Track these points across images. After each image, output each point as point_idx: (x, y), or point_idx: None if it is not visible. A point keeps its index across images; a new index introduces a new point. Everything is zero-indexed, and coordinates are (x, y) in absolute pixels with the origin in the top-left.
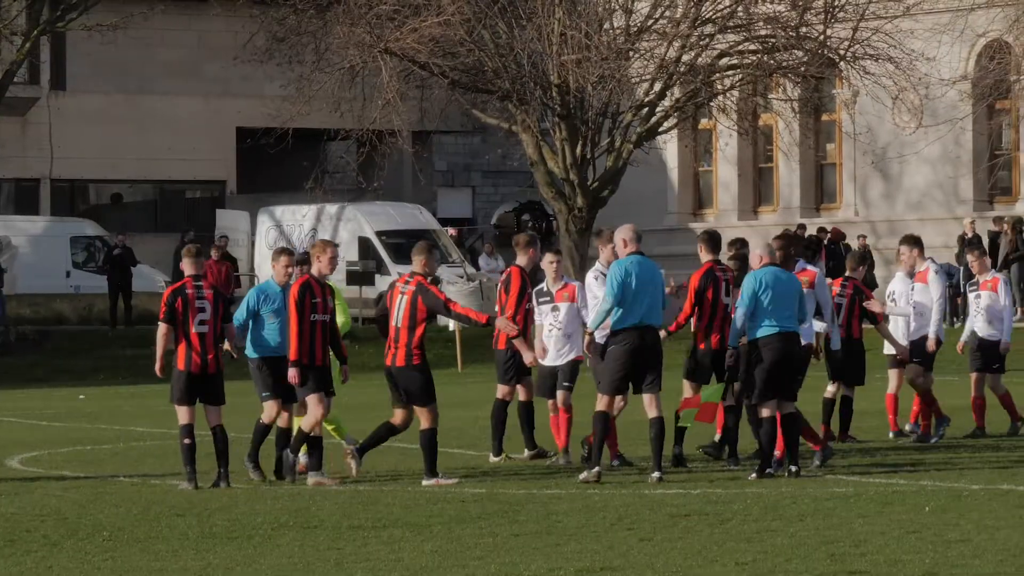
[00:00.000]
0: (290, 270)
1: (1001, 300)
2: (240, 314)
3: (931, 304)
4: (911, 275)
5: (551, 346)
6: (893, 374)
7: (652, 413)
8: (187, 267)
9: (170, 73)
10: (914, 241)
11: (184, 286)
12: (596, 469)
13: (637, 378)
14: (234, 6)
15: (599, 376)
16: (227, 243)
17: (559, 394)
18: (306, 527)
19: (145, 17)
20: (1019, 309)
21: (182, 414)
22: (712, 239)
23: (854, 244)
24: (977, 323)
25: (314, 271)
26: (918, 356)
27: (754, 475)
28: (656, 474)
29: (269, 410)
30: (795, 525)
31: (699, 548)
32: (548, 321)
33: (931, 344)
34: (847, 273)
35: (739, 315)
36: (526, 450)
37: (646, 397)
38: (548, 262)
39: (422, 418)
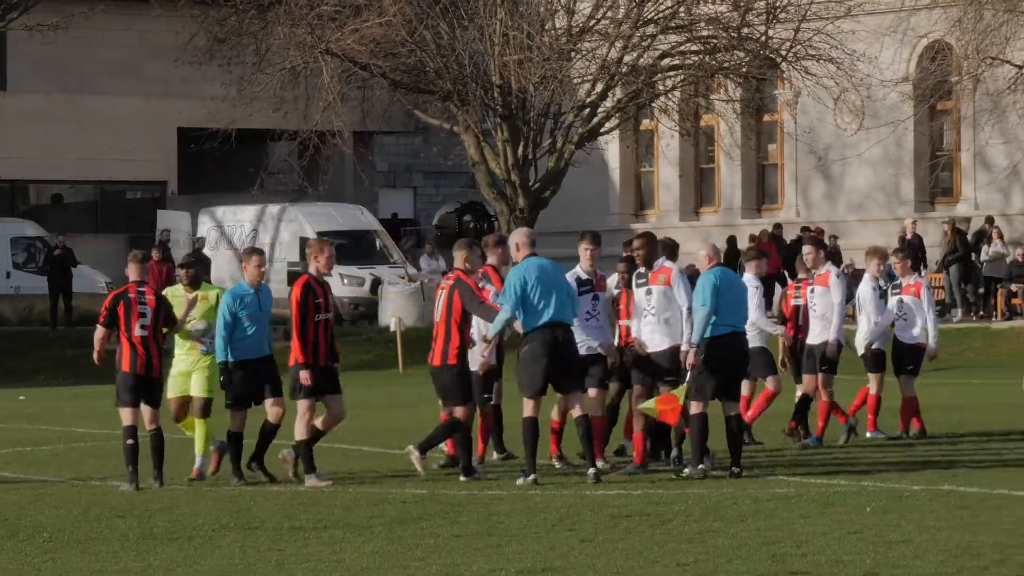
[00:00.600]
0: (263, 270)
1: (923, 305)
2: (221, 321)
3: (832, 308)
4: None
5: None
6: (872, 377)
7: (576, 412)
8: (131, 272)
9: (111, 73)
10: (818, 243)
11: (127, 291)
12: (532, 476)
13: (556, 378)
14: (175, 7)
15: (520, 380)
16: (168, 236)
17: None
18: (247, 528)
19: (86, 17)
20: (959, 310)
21: (125, 415)
22: (668, 246)
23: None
24: (897, 326)
25: (312, 270)
26: (824, 363)
27: (687, 471)
28: (592, 470)
29: (238, 419)
30: (736, 526)
31: (640, 549)
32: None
33: (831, 349)
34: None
35: (703, 313)
36: (495, 453)
37: (569, 397)
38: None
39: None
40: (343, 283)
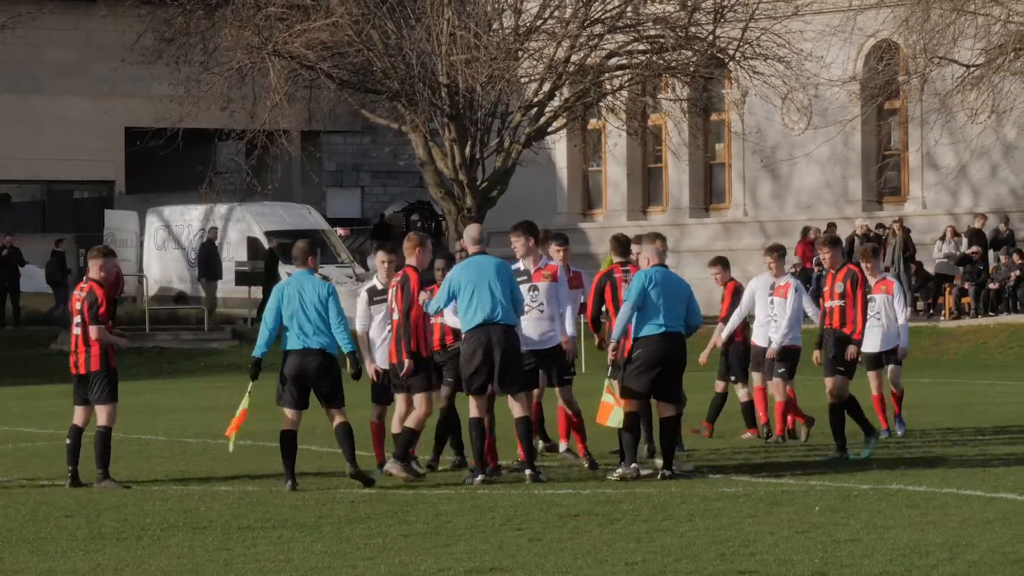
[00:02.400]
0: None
1: (895, 303)
2: (272, 314)
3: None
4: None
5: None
6: (872, 375)
7: (516, 413)
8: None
9: (58, 73)
10: (781, 251)
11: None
12: (480, 476)
13: (498, 378)
14: (122, 7)
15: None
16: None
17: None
18: (195, 528)
19: (33, 17)
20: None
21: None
22: (620, 242)
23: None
24: (769, 328)
25: (413, 263)
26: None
27: (618, 471)
28: (528, 471)
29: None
30: (685, 525)
31: (589, 548)
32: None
33: (771, 352)
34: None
35: (625, 309)
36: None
37: (509, 398)
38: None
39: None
40: None
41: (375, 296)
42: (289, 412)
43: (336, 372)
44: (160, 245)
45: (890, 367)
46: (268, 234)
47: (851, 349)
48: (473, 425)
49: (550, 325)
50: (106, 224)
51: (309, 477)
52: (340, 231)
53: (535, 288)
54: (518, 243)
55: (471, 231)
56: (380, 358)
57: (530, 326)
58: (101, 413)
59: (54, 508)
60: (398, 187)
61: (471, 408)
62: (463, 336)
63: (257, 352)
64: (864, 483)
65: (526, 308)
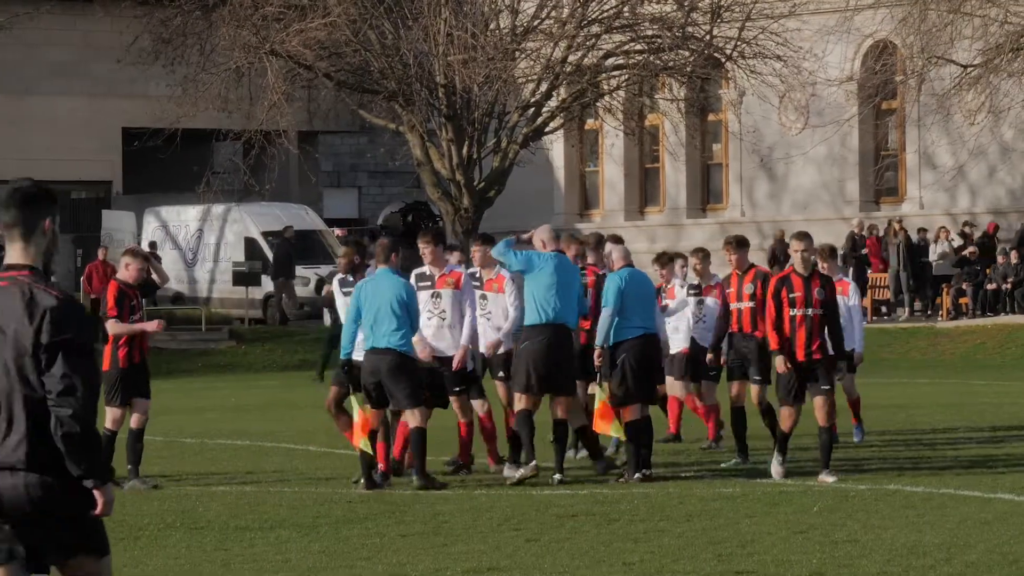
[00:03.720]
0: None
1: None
2: (353, 312)
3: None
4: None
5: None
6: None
7: (557, 414)
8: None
9: (55, 74)
10: (706, 253)
11: None
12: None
13: (549, 381)
14: (119, 7)
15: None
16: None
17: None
18: (193, 528)
19: (31, 17)
20: (905, 309)
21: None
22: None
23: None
24: (695, 330)
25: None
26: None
27: (637, 476)
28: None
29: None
30: (682, 525)
31: (586, 548)
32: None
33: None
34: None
35: (606, 315)
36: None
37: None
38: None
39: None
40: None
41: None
42: (368, 412)
43: (412, 372)
44: (158, 245)
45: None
46: (265, 235)
47: (779, 362)
48: (519, 417)
49: (451, 333)
50: (103, 224)
51: (306, 477)
52: (337, 231)
53: (438, 295)
54: (426, 250)
55: (544, 232)
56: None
57: (433, 334)
58: (106, 415)
59: None
60: (395, 187)
61: (519, 402)
62: (523, 332)
63: (343, 353)
64: (862, 484)
65: (428, 315)
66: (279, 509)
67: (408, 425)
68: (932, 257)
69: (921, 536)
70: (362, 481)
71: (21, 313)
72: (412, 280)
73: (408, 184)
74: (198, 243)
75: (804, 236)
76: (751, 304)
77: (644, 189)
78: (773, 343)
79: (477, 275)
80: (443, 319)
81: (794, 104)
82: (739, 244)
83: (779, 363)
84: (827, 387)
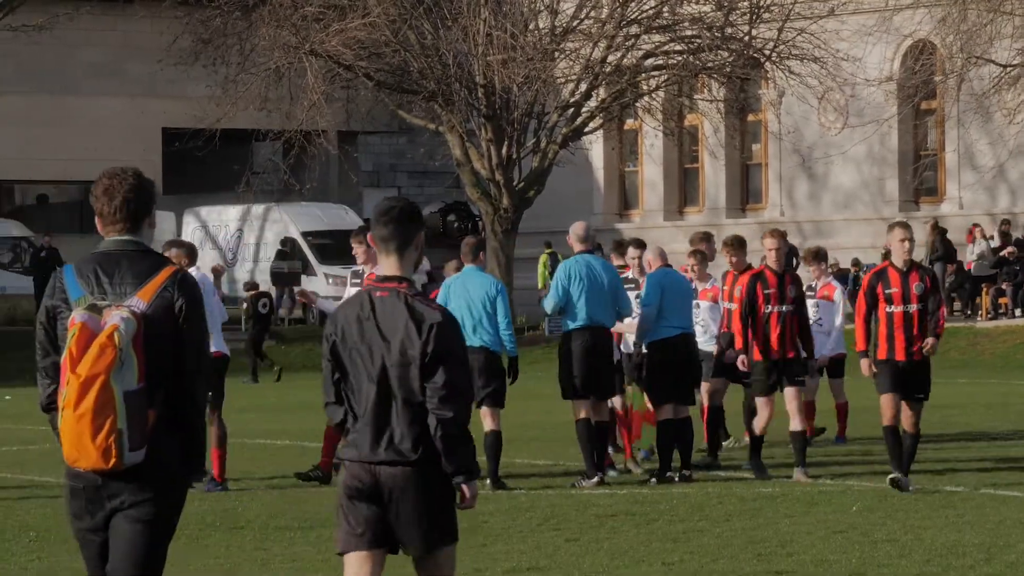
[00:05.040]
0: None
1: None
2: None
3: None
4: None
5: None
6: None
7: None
8: None
9: (95, 74)
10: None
11: None
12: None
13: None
14: (159, 7)
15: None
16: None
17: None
18: (233, 528)
19: (70, 18)
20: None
21: None
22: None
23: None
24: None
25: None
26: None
27: (669, 475)
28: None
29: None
30: (721, 525)
31: (626, 548)
32: None
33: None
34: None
35: (645, 316)
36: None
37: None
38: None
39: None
40: (328, 282)
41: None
42: None
43: (498, 371)
44: (197, 245)
45: (831, 381)
46: (305, 234)
47: (864, 365)
48: (580, 427)
49: None
50: None
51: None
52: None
53: None
54: (359, 249)
55: (577, 229)
56: None
57: None
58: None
59: None
60: (434, 188)
61: (577, 410)
62: (562, 337)
63: None
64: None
65: None
66: (319, 509)
67: (483, 427)
68: (970, 257)
69: (961, 536)
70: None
71: (407, 325)
72: (348, 278)
73: (448, 184)
74: (238, 243)
75: (904, 225)
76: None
77: (684, 189)
78: (860, 342)
79: (357, 270)
80: None
81: (833, 104)
82: (738, 245)
83: (864, 367)
84: (920, 395)
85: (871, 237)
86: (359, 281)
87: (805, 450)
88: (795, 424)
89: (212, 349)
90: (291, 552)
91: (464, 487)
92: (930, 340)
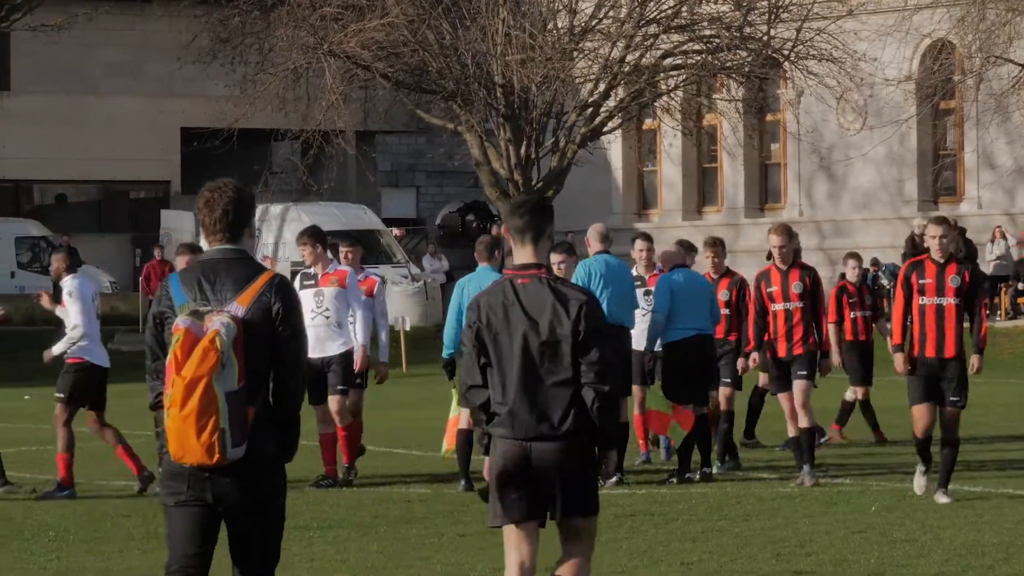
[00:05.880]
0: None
1: None
2: (455, 312)
3: None
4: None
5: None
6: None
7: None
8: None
9: (114, 73)
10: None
11: None
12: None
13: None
14: (178, 7)
15: None
16: (168, 237)
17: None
18: None
19: (89, 17)
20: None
21: None
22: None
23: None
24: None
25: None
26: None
27: (689, 476)
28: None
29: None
30: (740, 525)
31: (644, 548)
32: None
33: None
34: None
35: (654, 322)
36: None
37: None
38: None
39: None
40: None
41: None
42: (466, 412)
43: None
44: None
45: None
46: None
47: (898, 361)
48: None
49: (337, 331)
50: (162, 224)
51: (365, 477)
52: (396, 231)
53: (320, 294)
54: (305, 251)
55: (599, 229)
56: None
57: (321, 333)
58: None
59: (111, 508)
60: (453, 187)
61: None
62: None
63: (446, 353)
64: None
65: (312, 315)
66: (338, 509)
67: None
68: (988, 257)
69: (980, 536)
70: (462, 482)
71: (553, 306)
72: (297, 281)
73: (466, 184)
74: (256, 242)
75: (943, 221)
76: (726, 311)
77: (702, 189)
78: (896, 335)
79: (309, 272)
80: (327, 317)
81: (852, 105)
82: (718, 246)
83: (898, 362)
84: (955, 399)
85: (890, 237)
86: (312, 283)
87: (813, 449)
88: (803, 421)
89: (88, 358)
90: (309, 552)
91: (607, 458)
92: (975, 360)
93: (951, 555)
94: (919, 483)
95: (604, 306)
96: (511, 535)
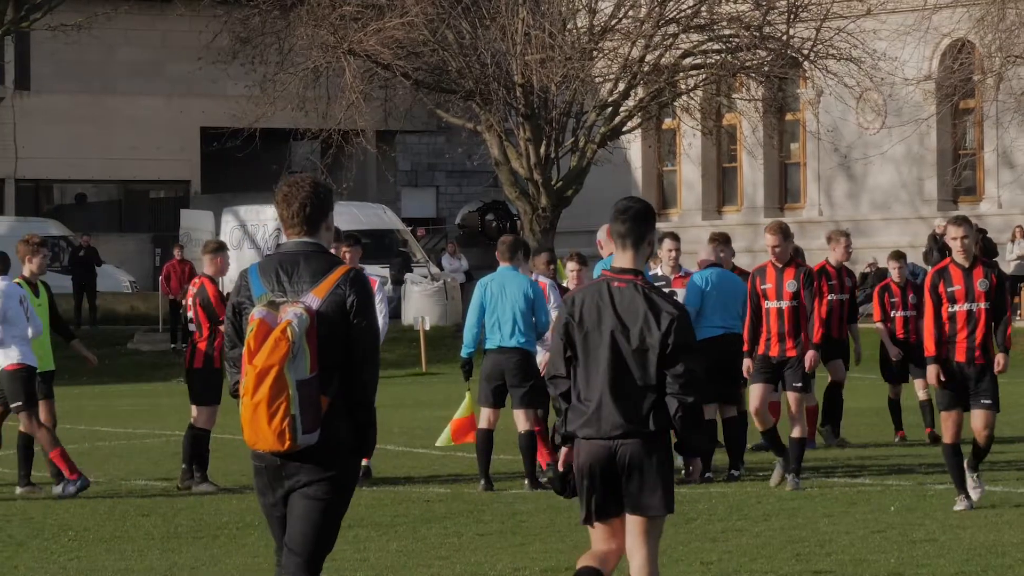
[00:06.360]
0: None
1: None
2: (476, 311)
3: None
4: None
5: None
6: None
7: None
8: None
9: (134, 73)
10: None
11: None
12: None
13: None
14: (198, 6)
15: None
16: (188, 237)
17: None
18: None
19: (109, 17)
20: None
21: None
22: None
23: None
24: None
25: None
26: None
27: (708, 476)
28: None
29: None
30: (760, 525)
31: (664, 548)
32: None
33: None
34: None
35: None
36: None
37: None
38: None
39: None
40: None
41: None
42: (485, 411)
43: (536, 374)
44: (236, 245)
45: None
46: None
47: (931, 373)
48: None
49: None
50: (182, 224)
51: (384, 476)
52: (419, 231)
53: None
54: (349, 253)
55: (601, 233)
56: None
57: None
58: (198, 413)
59: (131, 507)
60: (473, 187)
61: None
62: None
63: (464, 352)
64: (940, 483)
65: None
66: (357, 508)
67: (517, 428)
68: (1008, 257)
69: (1000, 535)
70: (482, 482)
71: (645, 315)
72: None
73: (486, 183)
74: (276, 242)
75: (963, 221)
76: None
77: (722, 188)
78: (929, 347)
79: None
80: None
81: (871, 104)
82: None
83: (931, 374)
84: (988, 402)
85: (910, 237)
86: None
87: (801, 459)
88: (795, 431)
89: (15, 360)
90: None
91: (694, 463)
92: (1000, 358)
93: (971, 554)
94: (968, 501)
95: None
96: (597, 531)
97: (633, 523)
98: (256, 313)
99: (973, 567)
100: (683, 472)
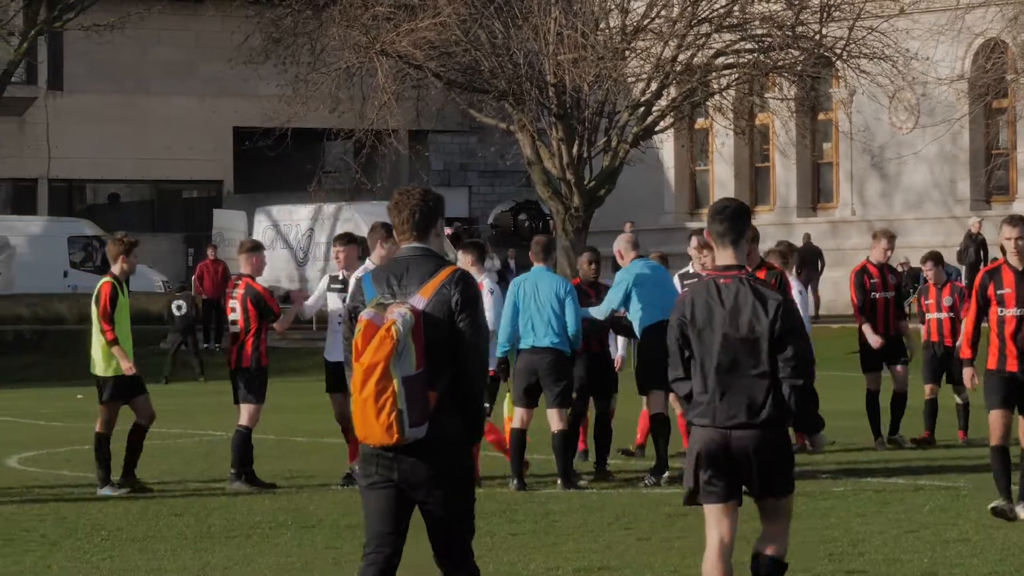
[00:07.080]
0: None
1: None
2: (510, 311)
3: None
4: None
5: None
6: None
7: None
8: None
9: (167, 73)
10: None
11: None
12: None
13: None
14: (230, 6)
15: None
16: (221, 236)
17: None
18: (304, 526)
19: (142, 17)
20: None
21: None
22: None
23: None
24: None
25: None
26: None
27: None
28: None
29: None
30: (793, 524)
31: (697, 548)
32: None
33: None
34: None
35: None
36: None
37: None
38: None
39: None
40: None
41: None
42: (519, 410)
43: (569, 373)
44: (268, 245)
45: None
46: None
47: (967, 375)
48: (662, 423)
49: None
50: (215, 224)
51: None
52: (448, 230)
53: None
54: (341, 254)
55: (628, 238)
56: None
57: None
58: (243, 412)
59: (163, 507)
60: (505, 187)
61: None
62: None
63: (500, 352)
64: (974, 482)
65: (338, 319)
66: None
67: (551, 428)
68: None
69: None
70: (514, 482)
71: (753, 305)
72: (325, 283)
73: (518, 183)
74: (309, 242)
75: (1020, 220)
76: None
77: (754, 188)
78: (966, 349)
79: (337, 275)
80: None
81: (904, 104)
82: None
83: (967, 377)
84: None
85: (943, 236)
86: (339, 287)
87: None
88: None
89: None
90: (362, 551)
91: (812, 440)
92: None
93: (1004, 554)
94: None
95: (656, 303)
96: (712, 514)
97: (762, 506)
98: (364, 315)
99: (1007, 567)
100: (808, 447)
